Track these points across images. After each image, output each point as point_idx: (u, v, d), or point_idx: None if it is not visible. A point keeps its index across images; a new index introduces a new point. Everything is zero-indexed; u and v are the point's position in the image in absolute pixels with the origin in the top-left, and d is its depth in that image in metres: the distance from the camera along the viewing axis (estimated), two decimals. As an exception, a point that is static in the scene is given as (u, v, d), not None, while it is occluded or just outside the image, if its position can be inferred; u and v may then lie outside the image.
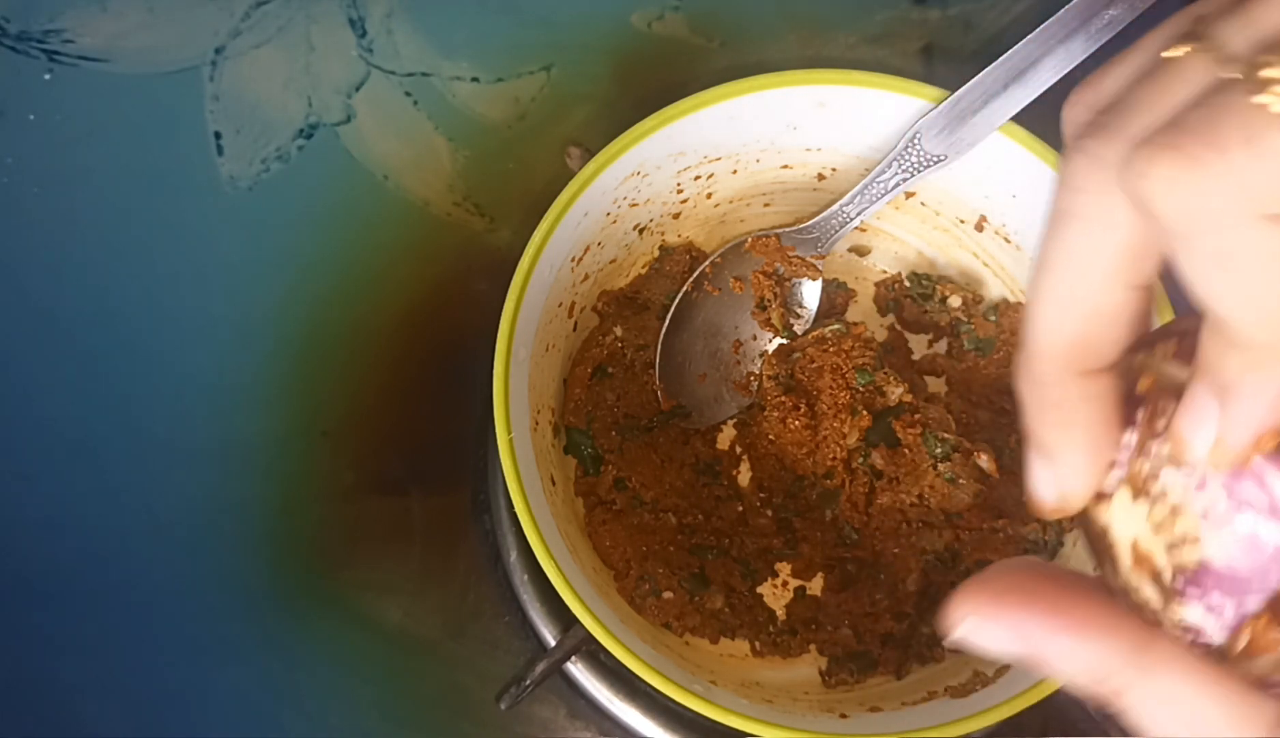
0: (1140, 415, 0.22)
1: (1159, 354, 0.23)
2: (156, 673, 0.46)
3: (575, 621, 0.44)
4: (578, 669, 0.45)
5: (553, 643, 0.45)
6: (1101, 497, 0.23)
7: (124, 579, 0.46)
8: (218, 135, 0.51)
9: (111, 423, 0.48)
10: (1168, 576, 0.21)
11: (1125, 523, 0.22)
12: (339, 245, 0.50)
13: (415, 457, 0.49)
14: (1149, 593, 0.22)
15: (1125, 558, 0.22)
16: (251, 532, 0.47)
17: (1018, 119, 0.40)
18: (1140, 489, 0.22)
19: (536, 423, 0.41)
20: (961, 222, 0.46)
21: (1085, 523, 0.24)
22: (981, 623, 0.22)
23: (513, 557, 0.46)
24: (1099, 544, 0.23)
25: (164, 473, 0.47)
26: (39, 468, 0.47)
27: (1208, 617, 0.21)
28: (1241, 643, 0.21)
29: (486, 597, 0.47)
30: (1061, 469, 0.23)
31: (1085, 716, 0.40)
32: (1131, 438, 0.23)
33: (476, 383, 0.39)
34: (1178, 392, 0.21)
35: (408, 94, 0.52)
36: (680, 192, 0.45)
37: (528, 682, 0.43)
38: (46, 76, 0.51)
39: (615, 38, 0.53)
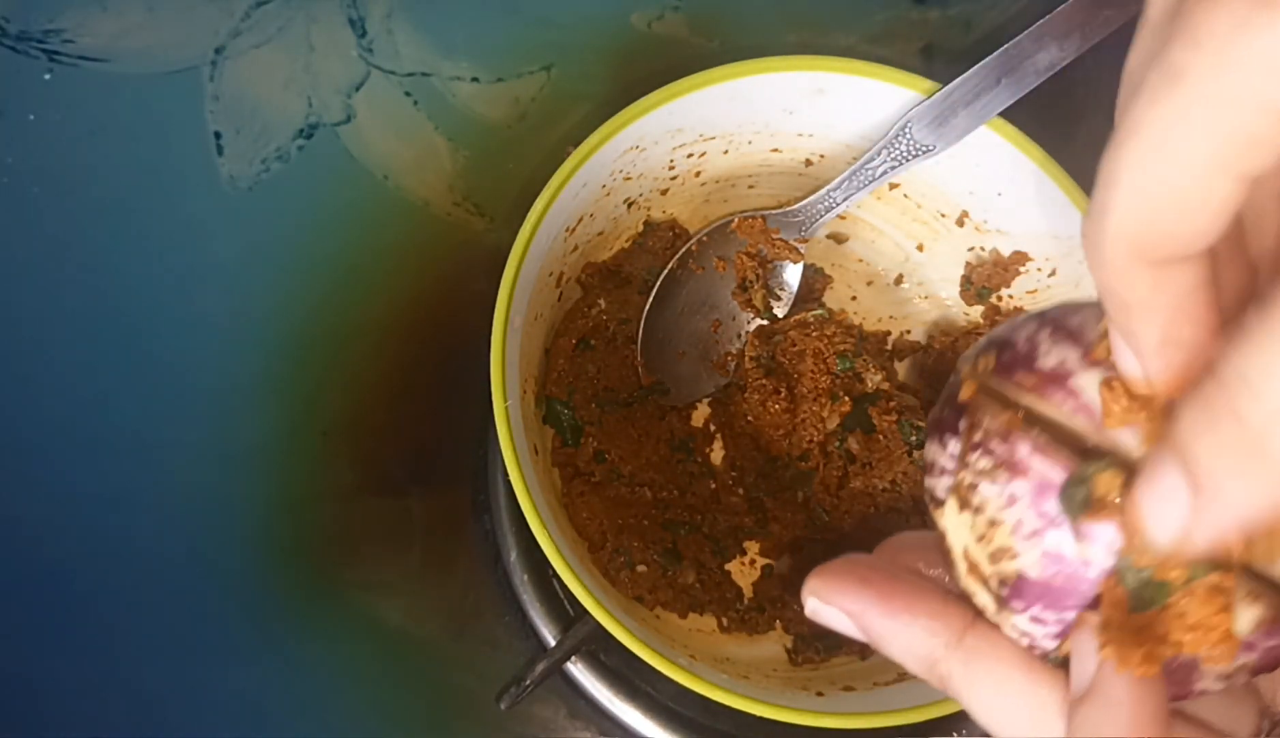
0: (962, 425, 0.22)
1: (981, 365, 0.23)
2: (156, 673, 0.46)
3: (575, 621, 0.44)
4: (578, 669, 0.45)
5: (553, 643, 0.45)
6: (937, 502, 0.23)
7: (123, 580, 0.46)
8: (218, 135, 0.51)
9: (111, 423, 0.48)
10: (994, 584, 0.22)
11: (956, 532, 0.23)
12: (339, 245, 0.50)
13: (415, 457, 0.49)
14: (984, 599, 0.22)
15: (960, 564, 0.23)
16: (251, 532, 0.47)
17: (1011, 117, 0.40)
18: (964, 500, 0.22)
19: (524, 391, 0.41)
20: (942, 215, 0.46)
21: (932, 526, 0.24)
22: (820, 605, 0.24)
23: (513, 557, 0.46)
24: (941, 547, 0.23)
25: (163, 474, 0.47)
26: (38, 468, 0.47)
27: (1034, 626, 0.21)
28: (1066, 650, 0.21)
29: (486, 597, 0.47)
30: (1145, 360, 0.20)
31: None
32: (955, 446, 0.22)
33: (476, 383, 0.39)
34: (1003, 415, 0.21)
35: (408, 94, 0.52)
36: (672, 168, 0.45)
37: (528, 682, 0.43)
38: (46, 76, 0.51)
39: (615, 38, 0.53)
